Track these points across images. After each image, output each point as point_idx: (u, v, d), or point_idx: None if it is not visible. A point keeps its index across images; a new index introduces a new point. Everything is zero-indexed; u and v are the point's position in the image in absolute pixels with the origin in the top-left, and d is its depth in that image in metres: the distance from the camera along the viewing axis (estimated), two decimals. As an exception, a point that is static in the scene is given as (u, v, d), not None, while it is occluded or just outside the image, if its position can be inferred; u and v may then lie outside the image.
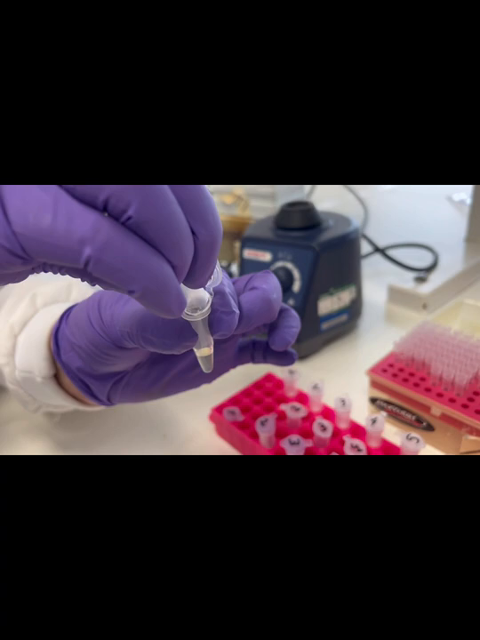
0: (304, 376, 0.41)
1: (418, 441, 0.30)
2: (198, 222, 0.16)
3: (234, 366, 0.31)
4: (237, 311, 0.22)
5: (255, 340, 0.30)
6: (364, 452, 0.30)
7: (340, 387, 0.41)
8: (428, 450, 0.35)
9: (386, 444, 0.32)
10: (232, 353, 0.30)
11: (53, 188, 0.14)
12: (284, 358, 0.29)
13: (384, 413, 0.33)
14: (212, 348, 0.22)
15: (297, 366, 0.46)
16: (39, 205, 0.13)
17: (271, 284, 0.25)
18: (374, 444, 0.32)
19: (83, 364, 0.27)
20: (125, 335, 0.22)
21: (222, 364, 0.30)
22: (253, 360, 0.30)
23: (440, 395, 0.34)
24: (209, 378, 0.30)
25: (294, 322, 0.27)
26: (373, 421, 0.32)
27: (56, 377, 0.32)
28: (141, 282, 0.15)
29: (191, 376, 0.29)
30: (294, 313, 0.28)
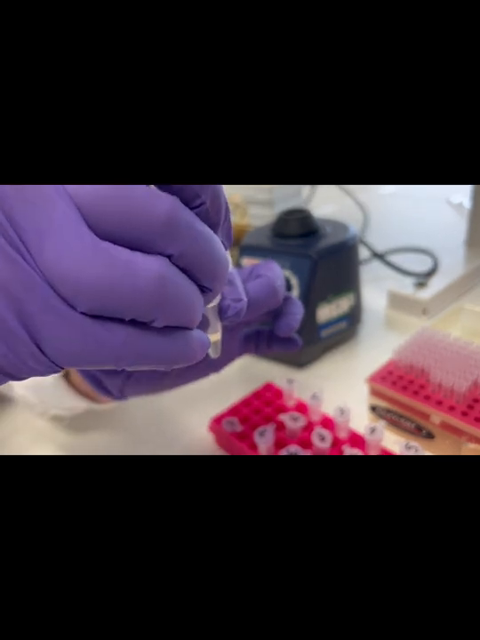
0: (303, 384, 0.41)
1: (416, 450, 0.30)
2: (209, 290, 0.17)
3: (239, 355, 0.32)
4: (245, 299, 0.23)
5: (259, 329, 0.32)
6: (363, 462, 0.30)
7: (340, 395, 0.41)
8: (429, 458, 0.35)
9: (385, 453, 0.32)
10: (237, 342, 0.31)
11: (79, 318, 0.14)
12: (289, 344, 0.30)
13: (383, 422, 0.33)
14: (220, 333, 0.23)
15: (296, 374, 0.46)
16: (70, 337, 0.14)
17: (275, 272, 0.27)
18: (373, 453, 0.32)
19: None
20: None
21: (228, 353, 0.31)
22: (257, 349, 0.32)
23: (439, 402, 0.34)
24: (217, 367, 0.31)
25: (298, 308, 0.29)
26: (372, 430, 0.31)
27: (66, 377, 0.32)
28: (171, 363, 0.16)
29: (200, 366, 0.30)
30: (297, 300, 0.29)
